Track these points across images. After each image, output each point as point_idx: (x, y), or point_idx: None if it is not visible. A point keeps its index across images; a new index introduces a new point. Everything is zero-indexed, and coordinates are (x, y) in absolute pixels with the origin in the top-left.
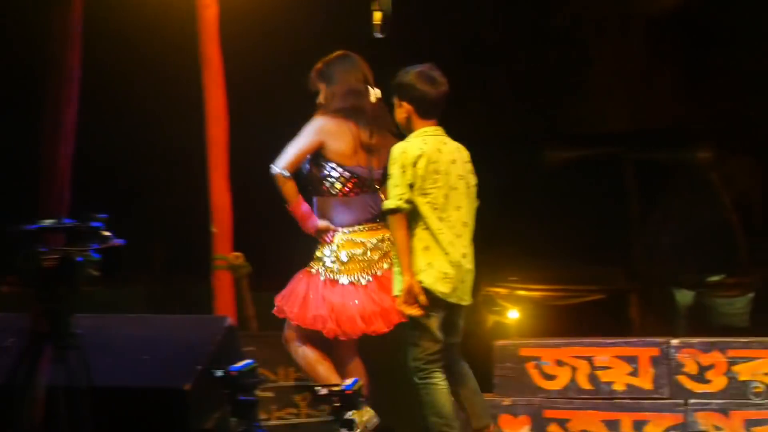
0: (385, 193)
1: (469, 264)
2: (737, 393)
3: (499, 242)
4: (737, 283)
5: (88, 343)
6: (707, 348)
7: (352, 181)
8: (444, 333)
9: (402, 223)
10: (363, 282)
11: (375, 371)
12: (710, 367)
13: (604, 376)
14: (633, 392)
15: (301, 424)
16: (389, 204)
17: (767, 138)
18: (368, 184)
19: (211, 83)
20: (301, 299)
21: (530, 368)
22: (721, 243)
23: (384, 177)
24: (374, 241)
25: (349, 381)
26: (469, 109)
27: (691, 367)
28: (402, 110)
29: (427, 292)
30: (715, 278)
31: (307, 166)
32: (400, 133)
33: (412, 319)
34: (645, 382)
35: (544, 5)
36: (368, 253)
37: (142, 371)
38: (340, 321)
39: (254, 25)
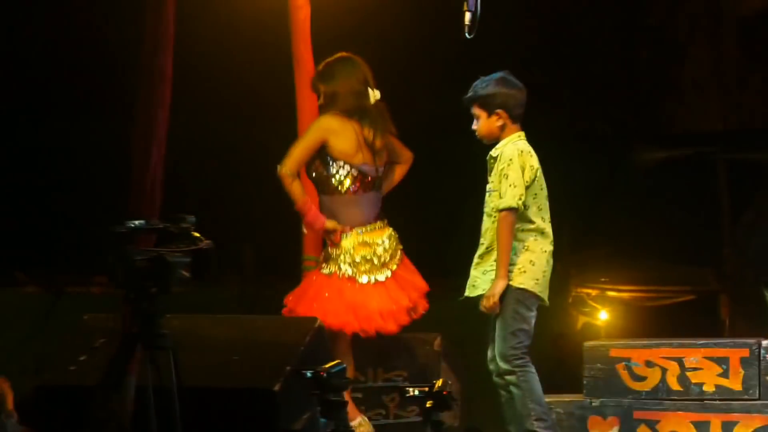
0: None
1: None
2: None
3: (589, 243)
4: None
5: (179, 343)
6: None
7: (360, 178)
8: None
9: (513, 223)
10: (382, 279)
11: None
12: None
13: (694, 377)
14: (723, 393)
15: (389, 425)
16: (508, 203)
17: None
18: (376, 183)
19: (302, 84)
20: (320, 299)
21: (620, 369)
22: None
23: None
24: (385, 240)
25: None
26: (560, 109)
27: None
28: (494, 119)
29: (526, 292)
30: None
31: (314, 165)
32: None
33: (515, 311)
34: (735, 383)
35: (637, 4)
36: (381, 252)
37: (232, 372)
38: (359, 318)
39: (345, 27)
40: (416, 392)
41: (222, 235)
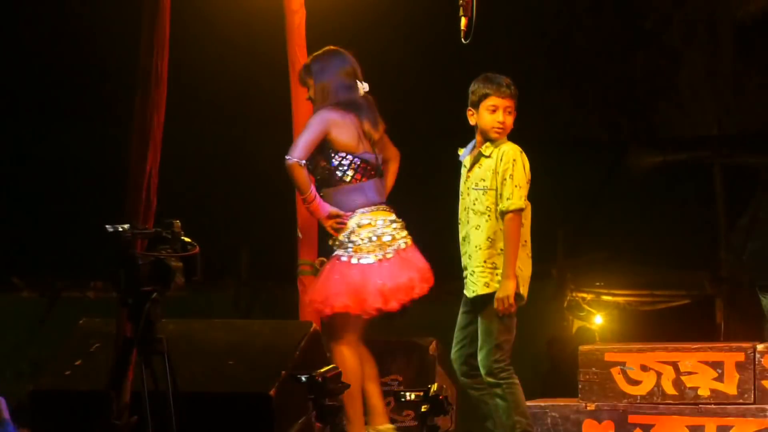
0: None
1: None
2: None
3: (585, 247)
4: None
5: (174, 348)
6: None
7: (363, 166)
8: None
9: (520, 223)
10: (390, 256)
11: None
12: None
13: (689, 382)
14: (718, 397)
15: None
16: (517, 204)
17: None
18: (378, 169)
19: (297, 88)
20: (327, 283)
21: (615, 373)
22: None
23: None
24: (388, 220)
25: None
26: (557, 113)
27: None
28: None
29: (518, 296)
30: None
31: (316, 161)
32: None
33: (501, 322)
34: (730, 387)
35: (632, 9)
36: (384, 231)
37: (227, 376)
38: (360, 299)
39: (339, 31)
40: (412, 396)
41: (217, 239)
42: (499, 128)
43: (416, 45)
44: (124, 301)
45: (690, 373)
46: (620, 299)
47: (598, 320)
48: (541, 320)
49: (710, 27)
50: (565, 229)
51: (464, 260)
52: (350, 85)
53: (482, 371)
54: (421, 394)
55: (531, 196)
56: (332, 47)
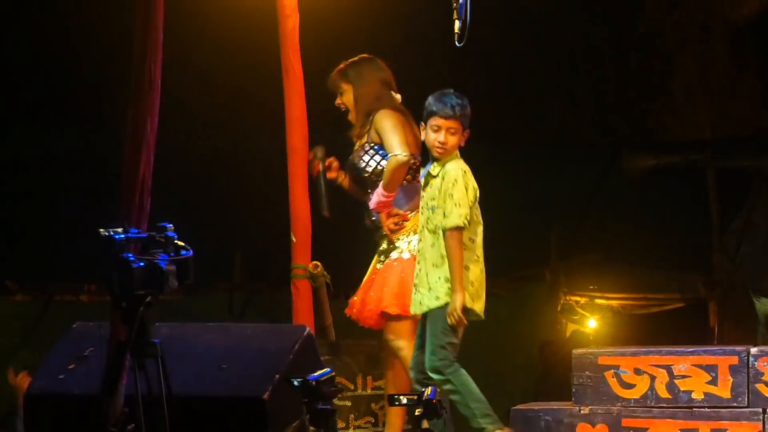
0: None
1: None
2: None
3: (578, 250)
4: None
5: (168, 351)
6: None
7: (416, 167)
8: None
9: (461, 239)
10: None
11: None
12: None
13: (682, 385)
14: (711, 401)
15: None
16: (456, 221)
17: None
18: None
19: (291, 91)
20: (398, 284)
21: (609, 377)
22: None
23: None
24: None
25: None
26: (550, 116)
27: None
28: (463, 137)
29: (465, 309)
30: None
31: (369, 164)
32: None
33: (448, 327)
34: (723, 390)
35: (626, 12)
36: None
37: (221, 380)
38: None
39: (333, 35)
40: (405, 400)
41: (211, 242)
42: (439, 148)
43: (410, 48)
44: (117, 305)
45: (684, 376)
46: (614, 302)
47: (591, 323)
48: (534, 323)
49: (703, 30)
50: (559, 232)
51: (420, 276)
52: (386, 94)
53: (429, 372)
54: (415, 398)
55: (524, 199)
56: (368, 55)
